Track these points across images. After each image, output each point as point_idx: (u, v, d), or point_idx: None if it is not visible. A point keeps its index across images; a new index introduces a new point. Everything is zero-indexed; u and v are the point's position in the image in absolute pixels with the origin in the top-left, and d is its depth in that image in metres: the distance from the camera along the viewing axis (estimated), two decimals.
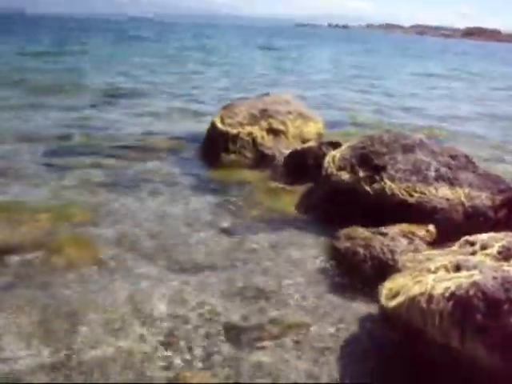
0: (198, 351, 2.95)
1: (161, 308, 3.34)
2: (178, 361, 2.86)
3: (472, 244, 3.10)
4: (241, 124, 6.78)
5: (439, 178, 4.57)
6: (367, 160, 4.83)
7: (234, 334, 3.12)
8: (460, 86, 19.19)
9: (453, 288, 2.54)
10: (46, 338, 2.98)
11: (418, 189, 4.47)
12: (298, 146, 6.36)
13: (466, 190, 4.48)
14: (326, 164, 5.12)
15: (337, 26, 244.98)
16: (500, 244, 2.89)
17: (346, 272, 3.88)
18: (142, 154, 7.02)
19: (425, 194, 4.43)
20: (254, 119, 6.87)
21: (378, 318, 3.17)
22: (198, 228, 4.67)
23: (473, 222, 4.28)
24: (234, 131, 6.73)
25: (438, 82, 19.70)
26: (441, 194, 4.43)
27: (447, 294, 2.53)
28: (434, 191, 4.45)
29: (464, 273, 2.67)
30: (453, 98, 15.12)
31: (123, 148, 7.21)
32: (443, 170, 4.65)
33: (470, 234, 3.29)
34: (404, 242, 3.98)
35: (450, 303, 2.49)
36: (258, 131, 6.77)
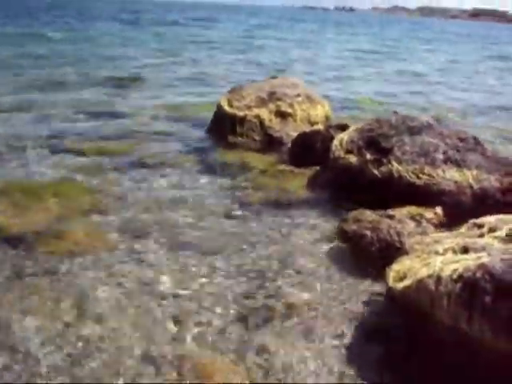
0: (206, 329, 3.01)
1: (169, 287, 3.41)
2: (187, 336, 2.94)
3: (480, 226, 3.11)
4: (248, 107, 6.76)
5: (447, 160, 4.55)
6: (374, 143, 4.82)
7: (242, 314, 3.17)
8: None
9: (461, 270, 2.56)
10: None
11: (425, 171, 4.46)
12: (306, 129, 6.35)
13: (475, 173, 4.47)
14: (333, 147, 5.12)
15: (343, 8, 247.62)
16: (508, 226, 2.90)
17: (354, 254, 3.90)
18: (149, 137, 7.04)
19: (433, 176, 4.42)
20: (261, 102, 6.86)
21: (385, 299, 3.21)
22: (205, 211, 4.69)
23: (481, 204, 4.27)
24: (241, 114, 6.72)
25: None
26: (449, 176, 4.42)
27: (455, 276, 2.55)
28: (441, 173, 4.43)
29: (472, 255, 2.69)
30: None
31: (131, 132, 7.23)
32: (451, 152, 4.62)
33: (477, 216, 3.29)
34: (411, 224, 3.98)
35: (458, 285, 2.51)
36: (265, 114, 6.75)
